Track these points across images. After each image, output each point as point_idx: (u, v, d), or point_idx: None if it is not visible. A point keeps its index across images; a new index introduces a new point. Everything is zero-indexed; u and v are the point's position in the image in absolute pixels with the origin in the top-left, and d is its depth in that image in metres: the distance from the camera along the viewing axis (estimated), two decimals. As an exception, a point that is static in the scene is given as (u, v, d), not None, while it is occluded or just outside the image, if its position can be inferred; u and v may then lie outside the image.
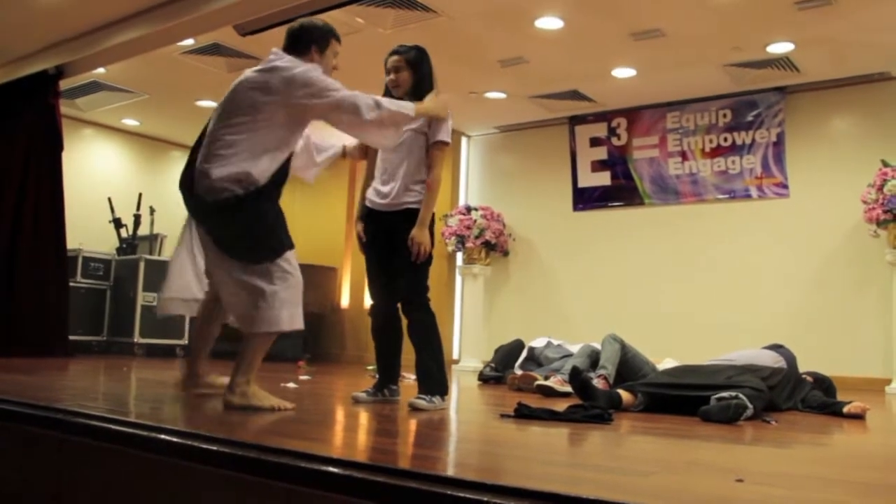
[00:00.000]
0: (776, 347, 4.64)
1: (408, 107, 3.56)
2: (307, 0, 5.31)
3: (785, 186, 7.16)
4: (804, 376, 4.43)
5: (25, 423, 2.74)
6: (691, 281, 7.49)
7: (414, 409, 3.53)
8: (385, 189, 3.81)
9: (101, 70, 7.39)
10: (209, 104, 8.48)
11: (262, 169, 3.30)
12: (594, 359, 5.03)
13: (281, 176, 3.43)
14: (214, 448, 2.15)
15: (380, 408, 3.65)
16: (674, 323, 7.37)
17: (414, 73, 3.89)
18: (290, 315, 3.29)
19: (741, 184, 7.38)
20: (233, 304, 3.42)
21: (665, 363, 5.13)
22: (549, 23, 6.05)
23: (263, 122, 3.32)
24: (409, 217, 3.69)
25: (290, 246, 3.42)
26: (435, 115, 3.72)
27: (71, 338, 7.10)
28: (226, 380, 3.48)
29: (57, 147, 7.02)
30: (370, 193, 3.90)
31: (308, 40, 3.61)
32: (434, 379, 3.63)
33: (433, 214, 3.78)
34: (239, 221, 3.29)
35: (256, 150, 3.30)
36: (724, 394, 3.51)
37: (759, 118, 7.27)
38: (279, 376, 5.36)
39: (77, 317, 7.57)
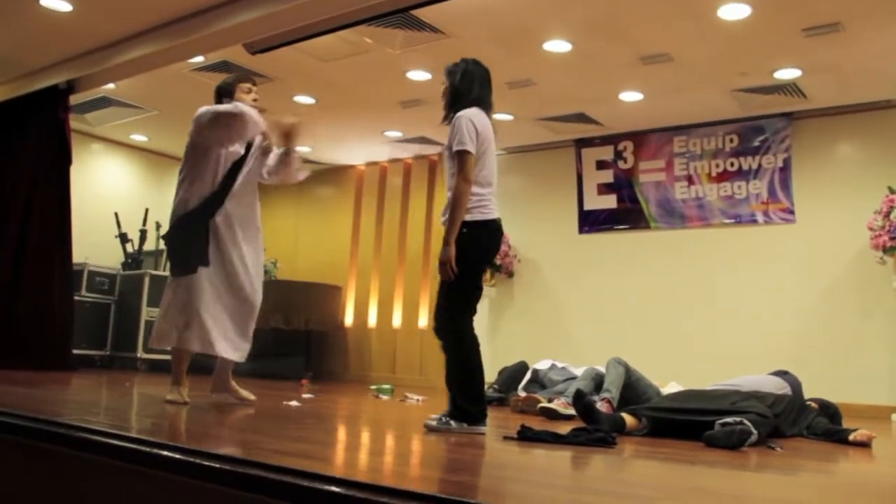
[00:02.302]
0: (781, 373, 4.62)
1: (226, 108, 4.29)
2: (315, 21, 5.34)
3: (791, 212, 7.15)
4: (809, 403, 4.41)
5: (27, 436, 2.73)
6: (696, 305, 7.47)
7: (426, 427, 3.56)
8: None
9: (111, 86, 7.44)
10: (217, 121, 8.52)
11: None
12: (598, 382, 5.03)
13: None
14: (216, 465, 2.14)
15: (385, 428, 3.63)
16: (678, 347, 7.34)
17: (448, 83, 3.87)
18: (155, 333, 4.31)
19: (747, 209, 7.38)
20: None
21: (669, 387, 5.12)
22: (558, 46, 6.07)
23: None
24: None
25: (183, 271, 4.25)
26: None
27: (74, 352, 7.09)
28: (247, 393, 4.50)
29: (65, 161, 7.04)
30: None
31: (217, 95, 4.49)
32: (458, 406, 3.58)
33: (469, 227, 3.65)
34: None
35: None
36: (729, 419, 3.49)
37: (765, 143, 7.28)
38: (282, 395, 5.35)
39: (81, 331, 7.58)
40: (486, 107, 3.84)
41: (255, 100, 4.48)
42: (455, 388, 3.61)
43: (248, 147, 4.48)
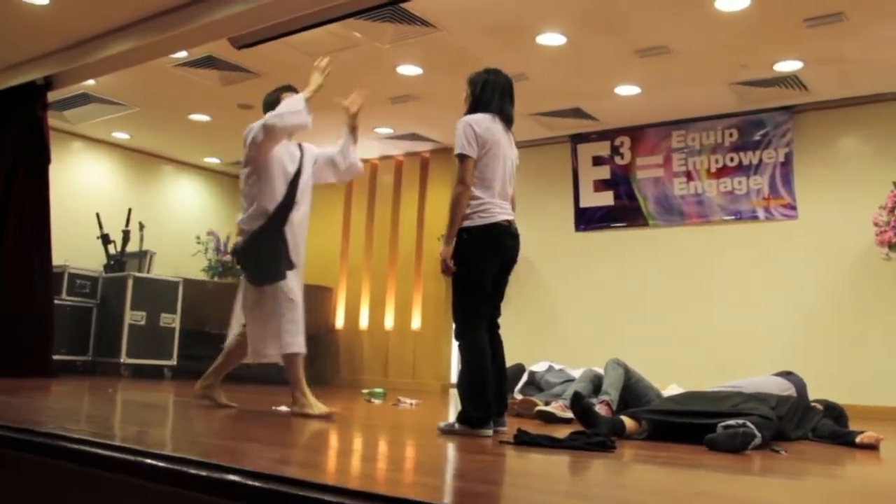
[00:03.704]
0: (785, 374, 4.62)
1: (297, 103, 4.51)
2: (303, 14, 5.32)
3: (793, 208, 7.16)
4: (814, 404, 4.41)
5: (4, 446, 2.71)
6: (697, 305, 7.47)
7: (438, 430, 3.75)
8: None
9: (91, 82, 7.40)
10: (202, 118, 8.50)
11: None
12: (597, 384, 5.04)
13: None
14: (204, 474, 2.12)
15: (378, 433, 3.62)
16: (679, 348, 7.35)
17: (469, 91, 4.04)
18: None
19: (748, 205, 7.39)
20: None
21: (670, 389, 5.13)
22: (552, 39, 6.07)
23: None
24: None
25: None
26: (315, 87, 4.62)
27: (54, 357, 7.03)
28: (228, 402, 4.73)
29: (44, 160, 6.98)
30: None
31: (266, 108, 4.68)
32: (463, 408, 3.70)
33: (469, 232, 3.79)
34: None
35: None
36: (731, 421, 3.48)
37: (766, 138, 7.29)
38: (271, 399, 5.32)
39: (61, 335, 7.51)
40: (504, 117, 3.99)
41: None
42: (461, 392, 3.73)
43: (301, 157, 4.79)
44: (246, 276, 4.59)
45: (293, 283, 4.48)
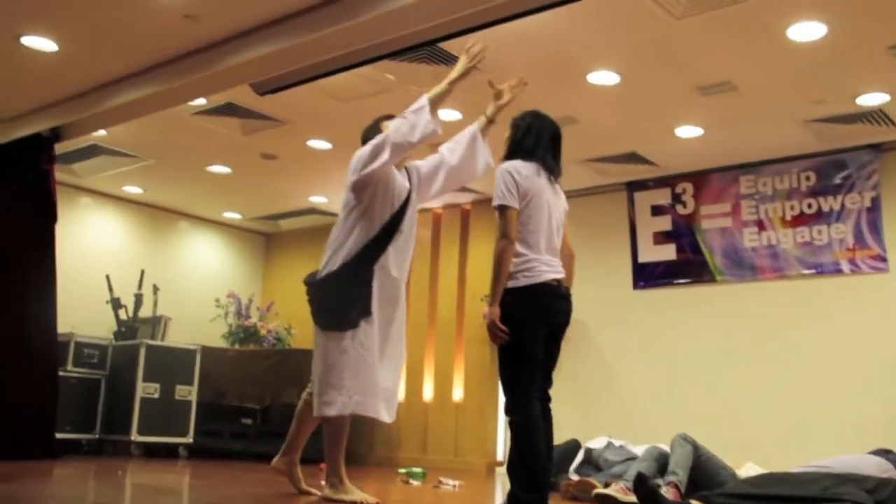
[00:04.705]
0: (883, 452, 4.52)
1: (419, 102, 4.39)
2: (332, 56, 5.39)
3: (883, 259, 7.03)
4: (919, 488, 4.27)
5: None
6: (774, 371, 7.32)
7: None
8: None
9: (101, 132, 7.55)
10: (222, 170, 8.62)
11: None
12: (662, 463, 5.03)
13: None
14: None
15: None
16: (755, 421, 7.19)
17: (510, 134, 4.06)
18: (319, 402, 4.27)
19: (830, 257, 7.27)
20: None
21: (746, 469, 5.11)
22: (604, 77, 6.08)
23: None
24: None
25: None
26: (455, 77, 4.43)
27: (57, 436, 7.04)
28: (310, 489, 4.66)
29: (50, 218, 7.08)
30: None
31: (364, 140, 4.63)
32: (512, 490, 3.65)
33: (513, 294, 3.75)
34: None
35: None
36: (822, 508, 3.39)
37: (849, 180, 7.20)
38: (312, 482, 5.27)
39: (66, 411, 7.51)
40: (547, 168, 3.99)
41: None
42: (510, 472, 3.68)
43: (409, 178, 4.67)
44: (312, 315, 4.45)
45: (367, 334, 4.32)
